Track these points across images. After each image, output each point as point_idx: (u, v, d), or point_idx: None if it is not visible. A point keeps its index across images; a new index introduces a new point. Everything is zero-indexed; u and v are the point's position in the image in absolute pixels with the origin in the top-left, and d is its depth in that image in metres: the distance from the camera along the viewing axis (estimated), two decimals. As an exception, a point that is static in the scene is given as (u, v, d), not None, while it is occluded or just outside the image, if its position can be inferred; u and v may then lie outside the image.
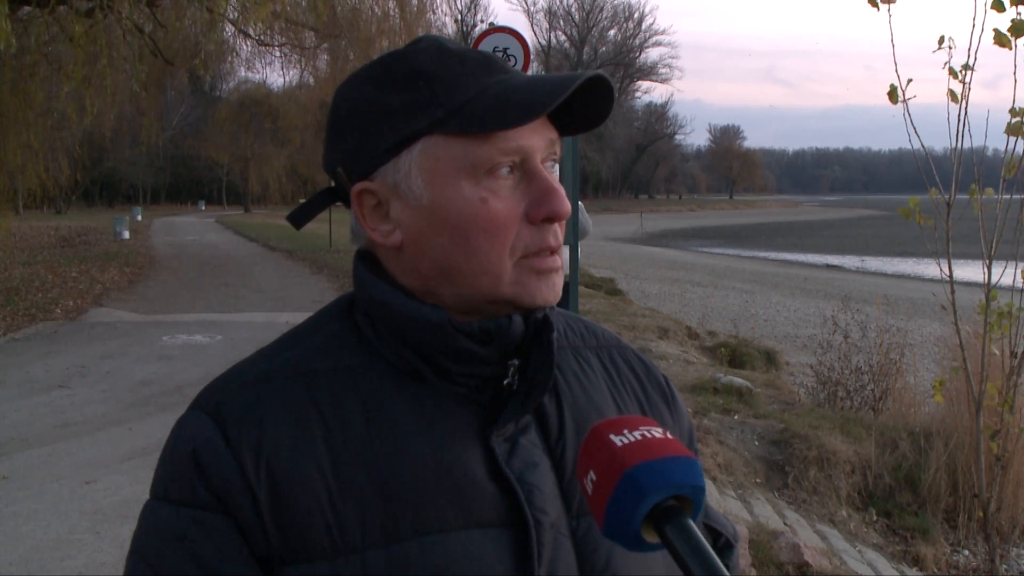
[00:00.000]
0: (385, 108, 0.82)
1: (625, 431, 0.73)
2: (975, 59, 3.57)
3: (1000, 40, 3.38)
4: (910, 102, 3.69)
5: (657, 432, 0.73)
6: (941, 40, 3.54)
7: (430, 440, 0.82)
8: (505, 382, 0.85)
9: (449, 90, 0.81)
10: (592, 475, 0.72)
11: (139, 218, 41.66)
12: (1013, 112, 3.53)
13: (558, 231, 0.84)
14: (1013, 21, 3.38)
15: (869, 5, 3.57)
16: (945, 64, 3.59)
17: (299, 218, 0.92)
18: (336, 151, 0.86)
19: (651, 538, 0.69)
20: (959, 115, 3.67)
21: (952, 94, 3.63)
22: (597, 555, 0.86)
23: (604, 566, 0.86)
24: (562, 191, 0.83)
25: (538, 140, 0.83)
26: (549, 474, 0.85)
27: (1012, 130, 3.58)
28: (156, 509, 0.81)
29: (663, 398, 1.00)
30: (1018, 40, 3.42)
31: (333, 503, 0.78)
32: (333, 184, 0.89)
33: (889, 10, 3.59)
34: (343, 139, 0.85)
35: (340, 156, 0.85)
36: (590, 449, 0.74)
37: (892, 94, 3.64)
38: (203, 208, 68.65)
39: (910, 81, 3.63)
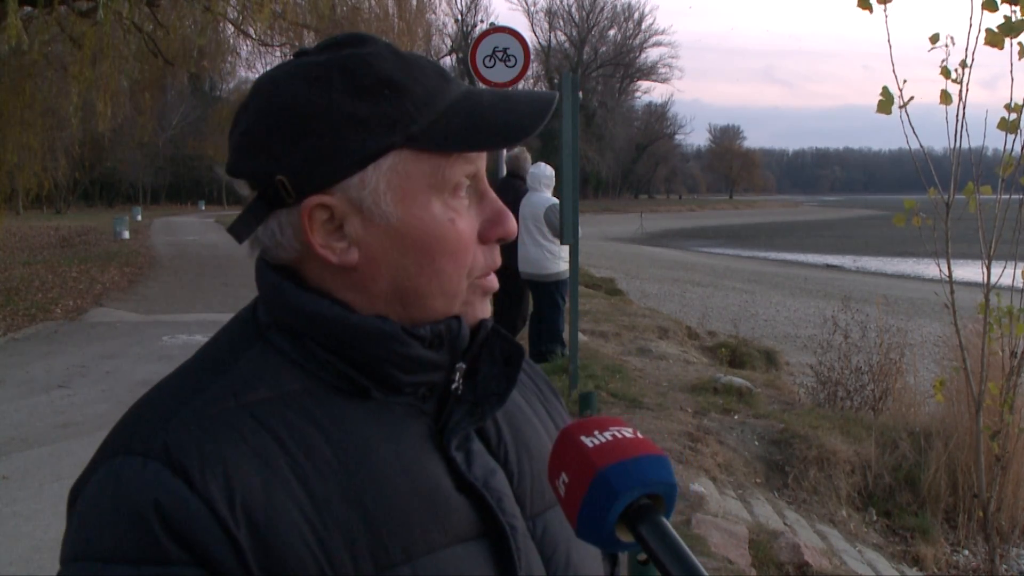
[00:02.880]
0: (353, 117, 0.77)
1: (596, 432, 0.74)
2: (972, 58, 3.57)
3: (992, 40, 3.38)
4: (910, 103, 3.69)
5: (627, 432, 0.74)
6: (935, 38, 3.54)
7: (396, 458, 0.79)
8: (453, 387, 0.84)
9: (418, 103, 0.78)
10: (564, 477, 0.73)
11: (139, 218, 41.61)
12: (1009, 108, 3.53)
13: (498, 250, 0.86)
14: (1005, 18, 3.38)
15: (860, 8, 3.57)
16: (942, 62, 3.59)
17: (241, 232, 0.82)
18: (278, 158, 0.77)
19: (625, 537, 0.70)
20: (957, 115, 3.68)
21: (945, 95, 3.63)
22: (558, 554, 0.87)
23: (566, 565, 0.88)
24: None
25: (483, 158, 0.83)
26: (505, 479, 0.85)
27: (1008, 127, 3.58)
28: (103, 572, 0.70)
29: (553, 395, 1.02)
30: (1014, 39, 3.43)
31: (319, 539, 0.73)
32: (255, 191, 0.80)
33: (885, 10, 3.59)
34: (292, 146, 0.77)
35: (286, 164, 0.77)
36: (561, 451, 0.74)
37: (883, 104, 3.63)
38: (203, 208, 68.58)
39: (905, 82, 3.63)
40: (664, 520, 0.69)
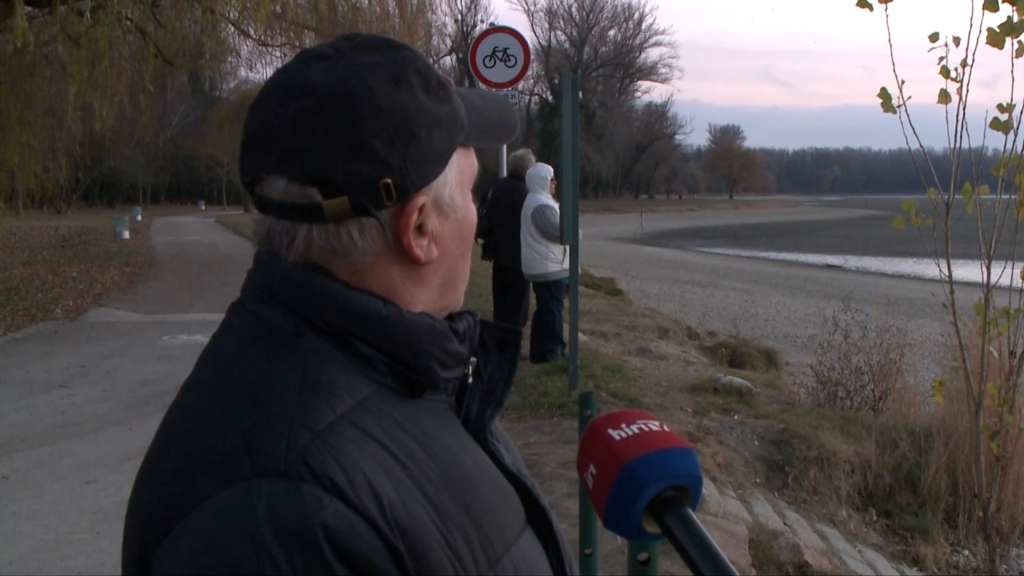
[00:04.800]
0: (437, 118, 0.80)
1: (623, 425, 0.75)
2: (973, 58, 3.57)
3: (993, 39, 3.39)
4: (910, 102, 3.69)
5: (654, 425, 0.75)
6: (935, 37, 3.55)
7: (467, 453, 0.82)
8: (469, 381, 0.88)
9: (459, 103, 0.84)
10: (592, 469, 0.75)
11: (139, 218, 41.61)
12: (1001, 108, 3.54)
13: None
14: (1007, 18, 3.38)
15: (859, 7, 3.57)
16: (941, 61, 3.59)
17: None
18: (384, 161, 0.77)
19: (652, 528, 0.71)
20: (957, 114, 3.68)
21: (944, 94, 3.63)
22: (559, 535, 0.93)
23: (564, 544, 0.94)
24: None
25: None
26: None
27: (1001, 127, 3.58)
28: None
29: None
30: (1015, 39, 3.43)
31: (446, 539, 0.74)
32: (323, 199, 0.76)
33: (886, 9, 3.59)
34: (396, 148, 0.77)
35: (394, 167, 0.77)
36: (589, 444, 0.76)
37: (886, 102, 3.64)
38: (203, 208, 68.60)
39: (903, 83, 3.63)
40: (690, 511, 0.72)
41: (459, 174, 0.83)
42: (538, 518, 0.87)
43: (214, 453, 0.72)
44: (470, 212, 0.86)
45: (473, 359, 0.89)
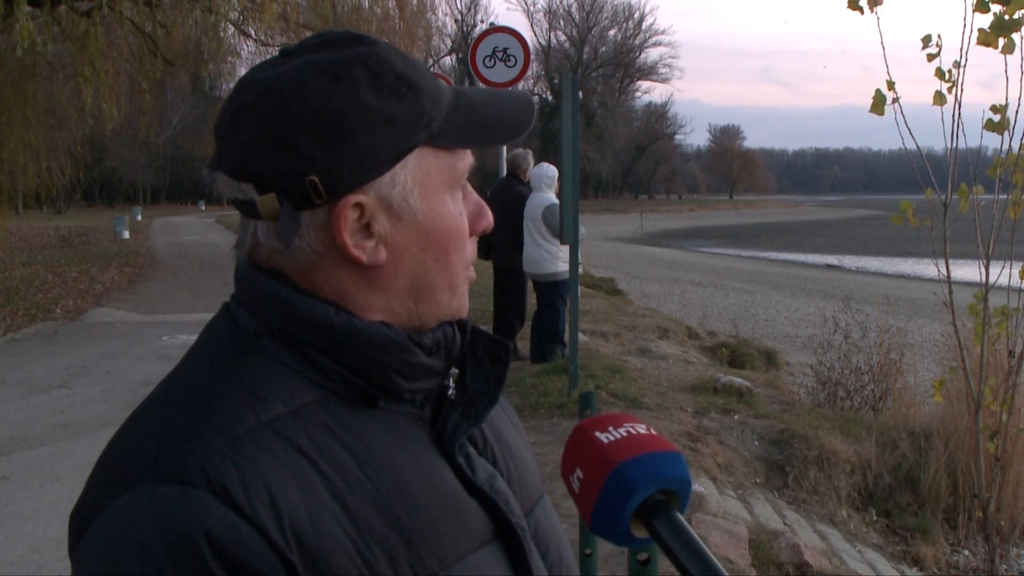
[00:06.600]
0: (383, 116, 0.76)
1: (610, 428, 0.75)
2: (966, 59, 3.58)
3: (985, 39, 3.39)
4: (909, 101, 3.70)
5: (641, 428, 0.75)
6: (927, 39, 3.56)
7: (415, 468, 0.79)
8: (450, 392, 0.85)
9: (431, 101, 0.79)
10: (579, 473, 0.74)
11: (139, 218, 41.57)
12: (995, 109, 3.55)
13: None
14: (995, 16, 3.38)
15: (851, 9, 3.58)
16: (930, 58, 3.60)
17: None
18: (309, 158, 0.75)
19: (639, 533, 0.71)
20: (953, 115, 3.68)
21: (939, 96, 3.64)
22: (551, 550, 0.90)
23: (558, 560, 0.90)
24: None
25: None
26: (503, 481, 0.86)
27: (995, 127, 3.59)
28: None
29: (507, 400, 1.03)
30: (1006, 39, 3.44)
31: (362, 555, 0.73)
32: (265, 194, 0.76)
33: (874, 11, 3.59)
34: (325, 145, 0.75)
35: (320, 164, 0.75)
36: (575, 447, 0.75)
37: (876, 104, 3.65)
38: (203, 208, 68.47)
39: (892, 84, 3.64)
40: (679, 515, 0.70)
41: (422, 175, 0.79)
42: (511, 537, 0.84)
43: (129, 457, 0.73)
44: (441, 216, 0.81)
45: (455, 371, 0.86)
